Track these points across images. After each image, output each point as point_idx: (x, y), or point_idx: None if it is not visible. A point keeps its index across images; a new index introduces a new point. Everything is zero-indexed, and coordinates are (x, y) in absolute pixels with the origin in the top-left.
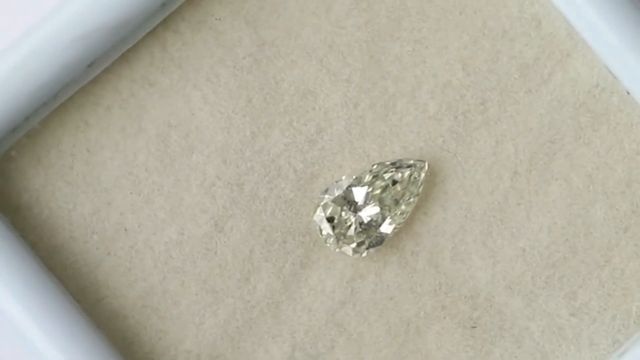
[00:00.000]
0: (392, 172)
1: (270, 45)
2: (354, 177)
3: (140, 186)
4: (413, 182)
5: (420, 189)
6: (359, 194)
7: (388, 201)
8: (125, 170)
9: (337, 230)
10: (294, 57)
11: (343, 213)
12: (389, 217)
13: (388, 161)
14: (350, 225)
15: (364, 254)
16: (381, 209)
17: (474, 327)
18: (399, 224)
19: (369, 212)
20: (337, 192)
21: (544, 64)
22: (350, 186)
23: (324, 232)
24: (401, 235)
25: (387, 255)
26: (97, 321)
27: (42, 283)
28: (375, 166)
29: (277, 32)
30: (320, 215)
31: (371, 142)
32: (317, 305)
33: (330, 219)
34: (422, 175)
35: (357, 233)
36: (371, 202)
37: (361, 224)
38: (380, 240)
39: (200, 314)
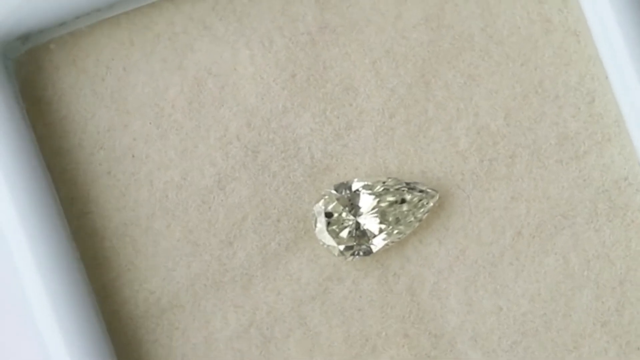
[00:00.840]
0: (403, 190)
1: (331, 30)
2: (366, 183)
3: (161, 120)
4: (420, 208)
5: (424, 217)
6: (365, 200)
7: (390, 217)
8: (152, 100)
9: (331, 227)
10: (350, 50)
11: (344, 214)
12: (385, 232)
13: (403, 180)
14: (345, 227)
15: (349, 259)
16: (381, 222)
17: None
18: (392, 242)
19: (368, 221)
20: (345, 192)
21: (582, 140)
22: (359, 190)
23: (318, 225)
24: (390, 254)
25: (370, 268)
26: (75, 234)
27: (34, 179)
28: (389, 180)
29: (342, 20)
30: (320, 207)
31: (394, 156)
32: (287, 291)
33: (328, 214)
34: (430, 204)
35: (350, 237)
36: (374, 212)
37: (357, 229)
38: (369, 251)
39: (175, 261)
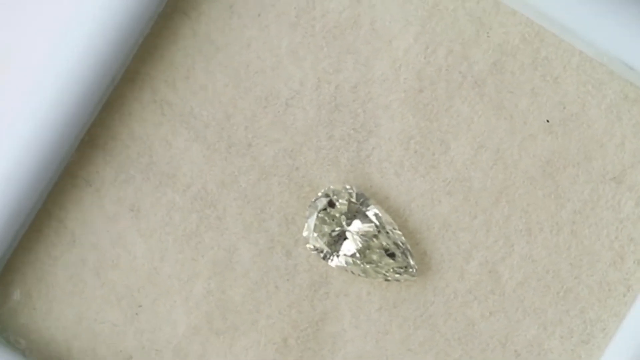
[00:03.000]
0: (399, 248)
1: (480, 92)
2: (381, 215)
3: (301, 15)
4: (394, 272)
5: (390, 281)
6: (365, 224)
7: (369, 254)
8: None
9: (322, 214)
10: (476, 118)
11: (342, 217)
12: (352, 259)
13: (407, 241)
14: (333, 225)
15: (308, 247)
16: (359, 249)
17: None
18: (351, 272)
19: (351, 239)
20: (360, 205)
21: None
22: (369, 213)
23: (317, 202)
24: (337, 277)
25: (314, 271)
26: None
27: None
28: (397, 231)
29: (495, 93)
30: (332, 193)
31: (420, 219)
32: (245, 219)
33: (331, 204)
34: (403, 278)
35: (328, 234)
36: (362, 238)
37: (339, 235)
38: (326, 258)
39: (201, 111)
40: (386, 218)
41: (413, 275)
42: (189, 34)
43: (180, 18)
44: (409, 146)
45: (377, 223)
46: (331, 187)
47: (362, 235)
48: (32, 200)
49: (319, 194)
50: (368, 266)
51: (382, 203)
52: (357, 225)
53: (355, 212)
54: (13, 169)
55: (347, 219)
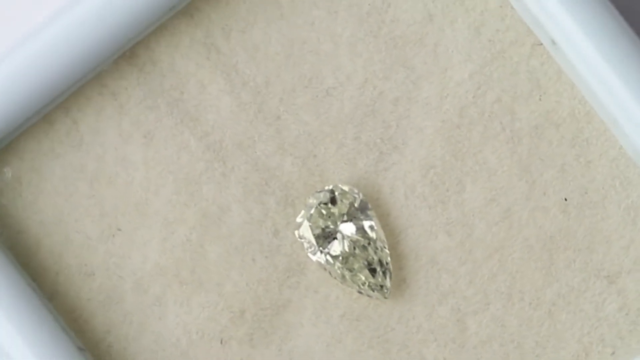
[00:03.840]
0: (382, 266)
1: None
2: (377, 228)
3: (357, 15)
4: (369, 287)
5: (360, 293)
6: (358, 233)
7: (351, 262)
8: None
9: (321, 208)
10: (506, 173)
11: (340, 217)
12: (334, 260)
13: (392, 264)
14: (328, 221)
15: (297, 233)
16: (345, 254)
17: None
18: (329, 273)
19: (340, 241)
20: (360, 212)
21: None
22: (365, 224)
23: (321, 194)
24: (313, 272)
25: (293, 258)
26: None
27: None
28: (386, 251)
29: (527, 164)
30: (338, 191)
31: (411, 244)
32: (249, 183)
33: (333, 201)
34: (374, 296)
35: (321, 229)
36: (352, 243)
37: (330, 233)
38: (307, 249)
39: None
40: (380, 234)
41: (385, 297)
42: None
43: None
44: (427, 174)
45: (370, 235)
46: (340, 185)
47: (351, 241)
48: (53, 93)
49: (326, 187)
50: (346, 273)
51: (381, 218)
52: (350, 229)
53: (353, 217)
54: (44, 55)
55: (343, 221)
